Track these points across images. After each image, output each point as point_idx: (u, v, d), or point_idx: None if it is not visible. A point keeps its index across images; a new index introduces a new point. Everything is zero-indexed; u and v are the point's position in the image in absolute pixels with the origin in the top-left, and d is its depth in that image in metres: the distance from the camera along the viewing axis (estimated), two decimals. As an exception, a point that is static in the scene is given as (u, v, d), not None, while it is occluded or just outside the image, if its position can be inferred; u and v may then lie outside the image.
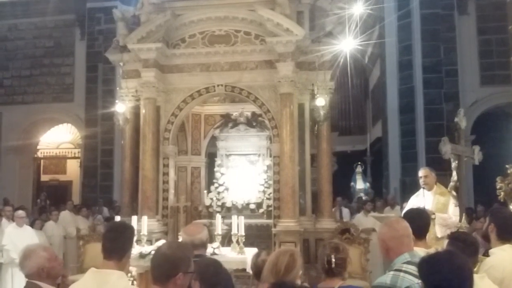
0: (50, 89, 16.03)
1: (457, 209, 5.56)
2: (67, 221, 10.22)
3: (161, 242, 6.29)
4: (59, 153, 18.80)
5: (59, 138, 18.36)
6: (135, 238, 6.44)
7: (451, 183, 5.74)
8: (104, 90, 14.98)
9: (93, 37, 15.56)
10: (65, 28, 16.15)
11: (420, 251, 2.67)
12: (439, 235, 5.38)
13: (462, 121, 5.49)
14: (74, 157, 17.93)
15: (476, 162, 5.78)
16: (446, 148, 5.09)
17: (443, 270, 1.86)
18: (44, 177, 18.74)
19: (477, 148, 5.67)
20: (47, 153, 18.60)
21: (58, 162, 18.94)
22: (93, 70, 15.46)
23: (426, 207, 5.64)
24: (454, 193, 5.72)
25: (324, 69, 8.72)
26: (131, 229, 2.89)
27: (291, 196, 8.14)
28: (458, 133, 5.47)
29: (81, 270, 7.34)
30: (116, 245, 2.68)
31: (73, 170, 18.13)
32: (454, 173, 5.55)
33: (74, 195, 16.42)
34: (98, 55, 14.59)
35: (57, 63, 16.13)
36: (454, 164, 5.50)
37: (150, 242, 7.03)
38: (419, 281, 2.02)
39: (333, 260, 2.86)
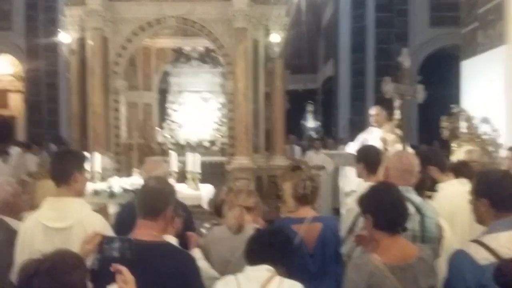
0: (-15, 15, 14.82)
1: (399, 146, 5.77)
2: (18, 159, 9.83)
3: (114, 179, 6.25)
4: (-1, 86, 17.70)
5: (-1, 70, 17.22)
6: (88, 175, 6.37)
7: (394, 122, 5.93)
8: (46, 18, 14.05)
9: (33, -40, 14.32)
10: None
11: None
12: None
13: (406, 60, 5.55)
14: (17, 91, 16.99)
15: (419, 101, 5.90)
16: (388, 87, 5.17)
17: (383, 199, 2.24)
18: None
19: (420, 87, 5.75)
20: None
21: (-2, 95, 17.88)
22: (33, -4, 14.36)
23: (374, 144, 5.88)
24: (397, 131, 5.92)
25: (279, 4, 8.56)
26: (75, 152, 2.87)
27: (244, 134, 8.22)
28: (402, 72, 5.54)
29: (32, 207, 7.20)
30: (61, 169, 2.62)
31: (15, 104, 17.22)
32: (397, 112, 5.68)
33: (18, 131, 15.73)
34: (39, -21, 13.55)
35: (-8, -13, 14.83)
36: (397, 103, 5.60)
37: (102, 179, 6.95)
38: None
39: (310, 186, 2.89)
